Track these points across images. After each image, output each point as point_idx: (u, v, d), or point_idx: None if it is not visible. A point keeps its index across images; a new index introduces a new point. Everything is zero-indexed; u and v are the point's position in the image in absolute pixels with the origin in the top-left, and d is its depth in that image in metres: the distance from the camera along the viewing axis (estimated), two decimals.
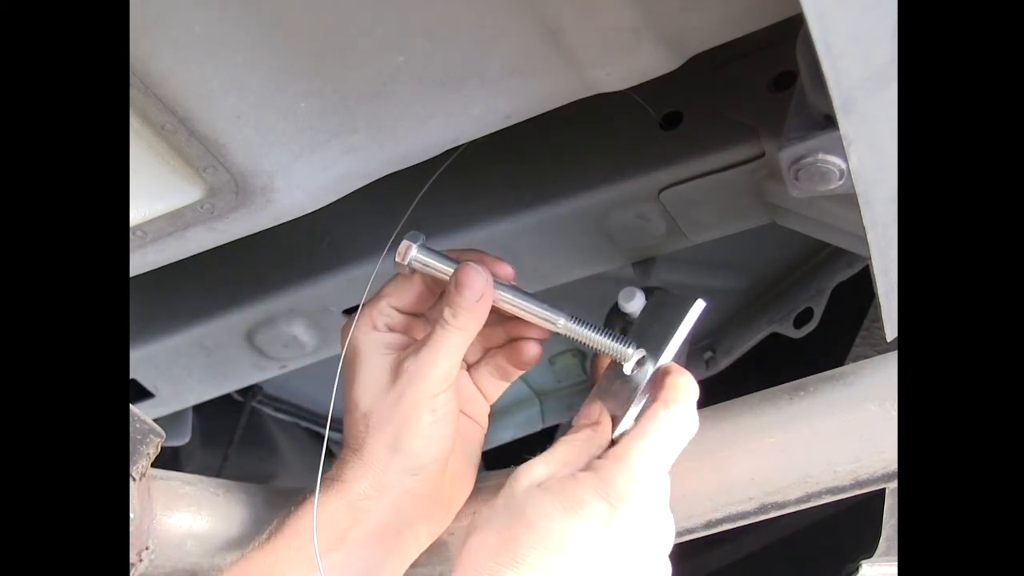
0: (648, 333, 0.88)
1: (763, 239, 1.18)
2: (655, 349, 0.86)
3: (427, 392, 0.86)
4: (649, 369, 0.85)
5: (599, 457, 0.80)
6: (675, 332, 0.86)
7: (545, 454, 0.81)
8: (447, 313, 0.86)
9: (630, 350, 0.86)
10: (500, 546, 0.73)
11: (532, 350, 0.92)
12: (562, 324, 0.88)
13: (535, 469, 0.79)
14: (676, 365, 0.85)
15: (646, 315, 0.91)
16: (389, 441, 0.87)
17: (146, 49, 0.66)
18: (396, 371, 0.88)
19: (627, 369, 0.86)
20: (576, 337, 0.88)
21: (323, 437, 1.82)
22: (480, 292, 0.86)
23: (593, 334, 0.88)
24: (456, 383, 0.89)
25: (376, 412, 0.88)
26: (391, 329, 0.90)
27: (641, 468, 0.77)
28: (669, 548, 0.78)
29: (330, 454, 0.91)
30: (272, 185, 0.78)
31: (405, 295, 0.91)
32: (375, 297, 0.91)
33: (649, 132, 1.00)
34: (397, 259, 0.89)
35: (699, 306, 0.86)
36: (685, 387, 0.82)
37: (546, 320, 0.89)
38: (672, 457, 0.80)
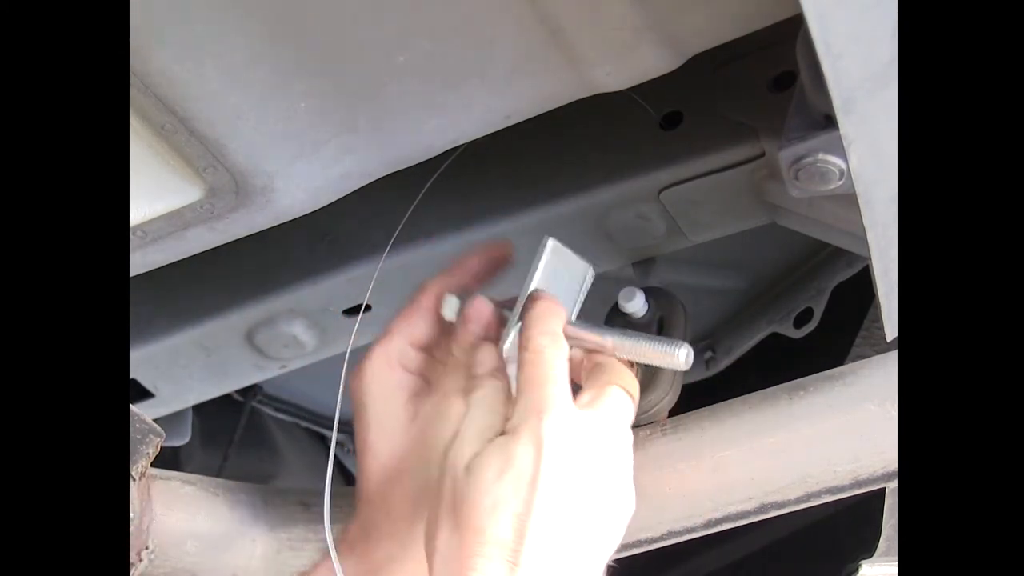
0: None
1: (763, 239, 1.17)
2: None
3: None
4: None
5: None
6: (530, 273, 0.85)
7: None
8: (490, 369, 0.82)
9: (681, 350, 0.81)
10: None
11: None
12: (611, 343, 0.83)
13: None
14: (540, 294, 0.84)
15: None
16: (414, 496, 0.84)
17: (146, 49, 0.66)
18: (415, 418, 0.85)
19: (684, 366, 0.81)
20: (626, 354, 0.83)
21: (323, 436, 1.82)
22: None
23: (642, 344, 0.82)
24: None
25: (398, 465, 0.85)
26: (407, 369, 0.88)
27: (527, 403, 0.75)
28: (586, 460, 0.74)
29: (336, 461, 0.90)
30: (272, 185, 0.77)
31: (418, 331, 0.88)
32: (387, 335, 0.88)
33: (649, 132, 1.00)
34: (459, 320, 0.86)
35: (548, 244, 0.86)
36: (531, 311, 0.81)
37: (596, 344, 0.84)
38: (555, 380, 0.76)
